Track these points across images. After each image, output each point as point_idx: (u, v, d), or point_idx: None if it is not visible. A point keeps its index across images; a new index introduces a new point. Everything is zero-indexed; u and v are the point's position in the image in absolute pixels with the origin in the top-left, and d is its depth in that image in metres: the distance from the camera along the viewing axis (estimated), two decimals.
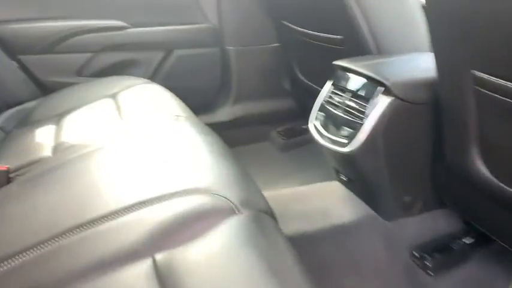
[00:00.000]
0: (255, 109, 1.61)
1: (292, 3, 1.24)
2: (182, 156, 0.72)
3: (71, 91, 1.27)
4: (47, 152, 0.91)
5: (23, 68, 1.30)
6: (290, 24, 1.31)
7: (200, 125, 0.88)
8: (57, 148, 0.92)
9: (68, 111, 1.11)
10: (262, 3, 1.45)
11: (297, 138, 1.58)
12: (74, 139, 0.93)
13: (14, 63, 1.26)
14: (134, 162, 0.72)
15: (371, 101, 0.82)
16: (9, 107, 1.22)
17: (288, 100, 1.63)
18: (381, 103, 0.81)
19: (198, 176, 0.63)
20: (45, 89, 1.34)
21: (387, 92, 0.81)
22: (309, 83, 1.40)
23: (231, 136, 1.43)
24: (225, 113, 1.59)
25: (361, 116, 0.83)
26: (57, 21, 1.31)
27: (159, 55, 1.47)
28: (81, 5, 1.32)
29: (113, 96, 1.15)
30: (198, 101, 1.57)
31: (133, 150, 0.78)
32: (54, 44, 1.32)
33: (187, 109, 1.02)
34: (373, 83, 0.83)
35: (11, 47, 1.28)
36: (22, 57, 1.30)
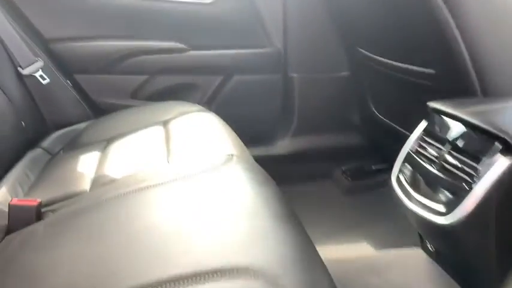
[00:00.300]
0: (317, 143, 1.44)
1: (373, 28, 1.07)
2: (229, 215, 0.57)
3: (122, 115, 1.19)
4: (85, 185, 0.82)
5: (77, 87, 1.24)
6: (366, 52, 1.14)
7: (255, 170, 0.74)
8: (97, 182, 0.83)
9: (117, 137, 1.03)
10: (334, 26, 1.30)
11: (365, 180, 1.38)
12: (116, 172, 0.83)
13: (68, 83, 1.21)
14: (173, 215, 0.60)
15: (483, 161, 0.62)
16: (58, 127, 1.17)
17: (357, 135, 1.44)
18: (499, 165, 0.60)
19: (244, 249, 0.48)
20: (97, 111, 1.28)
21: (507, 150, 0.61)
22: (385, 119, 1.21)
23: (289, 172, 1.27)
24: (283, 145, 1.43)
25: (467, 178, 0.64)
26: (115, 41, 1.24)
27: (217, 79, 1.36)
28: (140, 25, 1.25)
29: (165, 123, 1.05)
30: (255, 131, 1.44)
31: (175, 197, 0.66)
32: (110, 64, 1.26)
33: (242, 145, 0.88)
34: (487, 137, 0.64)
35: (67, 66, 1.23)
36: (77, 77, 1.25)
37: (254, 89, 1.37)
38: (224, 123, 1.05)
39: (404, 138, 0.81)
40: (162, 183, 0.71)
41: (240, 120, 1.45)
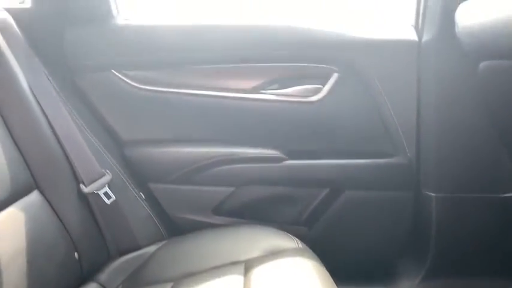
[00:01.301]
0: None
1: None
2: None
3: (198, 241, 0.94)
4: None
5: (151, 200, 1.03)
6: None
7: None
8: None
9: (185, 278, 0.80)
10: (495, 132, 0.92)
11: None
12: None
13: (141, 195, 1.01)
14: None
15: None
16: (122, 253, 0.94)
17: None
18: None
19: None
20: (172, 229, 1.05)
21: None
22: None
23: None
24: None
25: None
26: (198, 147, 1.03)
27: (321, 194, 1.04)
28: (227, 128, 1.02)
29: (247, 268, 0.78)
30: (369, 266, 1.07)
31: None
32: (191, 173, 1.03)
33: None
34: None
35: (141, 174, 1.04)
36: (152, 186, 1.05)
37: (372, 209, 1.03)
38: (324, 270, 0.77)
39: None
40: None
41: (350, 249, 1.10)
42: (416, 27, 0.99)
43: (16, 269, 0.69)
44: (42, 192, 0.81)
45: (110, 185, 0.91)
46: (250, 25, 1.01)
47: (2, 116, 0.80)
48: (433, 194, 0.99)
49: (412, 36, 0.97)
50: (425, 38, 0.95)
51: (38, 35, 0.95)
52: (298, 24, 1.00)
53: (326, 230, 1.06)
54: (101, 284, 0.88)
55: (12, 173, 0.76)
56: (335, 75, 0.97)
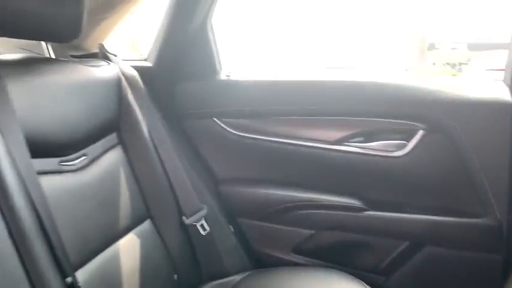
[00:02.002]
0: None
1: None
2: None
3: (278, 278, 1.02)
4: None
5: (239, 234, 1.15)
6: None
7: None
8: None
9: None
10: None
11: None
12: None
13: (231, 228, 1.13)
14: None
15: None
16: (212, 279, 1.07)
17: None
18: None
19: None
20: (256, 262, 1.15)
21: None
22: None
23: None
24: None
25: None
26: (284, 190, 1.12)
27: (400, 246, 1.06)
28: (313, 175, 1.10)
29: None
30: None
31: None
32: (276, 213, 1.13)
33: None
34: None
35: (232, 209, 1.16)
36: (240, 221, 1.17)
37: (455, 268, 1.01)
38: None
39: None
40: None
41: None
42: (509, 85, 0.97)
43: (132, 285, 0.85)
44: (153, 221, 0.97)
45: (205, 217, 1.04)
46: (339, 81, 1.09)
47: (127, 156, 0.98)
48: None
49: (505, 95, 0.96)
50: None
51: (156, 87, 1.13)
52: (387, 80, 1.05)
53: (403, 283, 1.06)
54: None
55: (132, 205, 0.93)
56: (420, 132, 1.00)
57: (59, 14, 0.76)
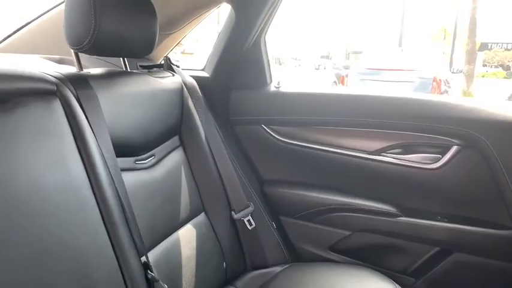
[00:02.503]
0: None
1: None
2: None
3: (315, 271, 1.13)
4: None
5: (280, 230, 1.27)
6: None
7: None
8: None
9: None
10: None
11: None
12: None
13: (273, 225, 1.25)
14: None
15: None
16: (254, 268, 1.20)
17: None
18: None
19: None
20: (294, 256, 1.26)
21: None
22: None
23: None
24: None
25: None
26: (322, 193, 1.23)
27: (430, 251, 1.14)
28: (350, 180, 1.19)
29: None
30: None
31: None
32: (315, 213, 1.24)
33: None
34: None
35: (275, 208, 1.28)
36: (282, 219, 1.28)
37: (483, 276, 1.08)
38: None
39: None
40: None
41: None
42: None
43: (188, 271, 0.99)
44: (206, 215, 1.11)
45: (251, 214, 1.17)
46: (381, 96, 1.18)
47: (187, 156, 1.12)
48: None
49: None
50: None
51: (212, 95, 1.26)
52: (426, 98, 1.12)
53: (431, 286, 1.14)
54: None
55: (190, 199, 1.07)
56: (455, 147, 1.07)
57: (138, 35, 0.91)
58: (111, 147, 0.82)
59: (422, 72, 5.86)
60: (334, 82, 8.19)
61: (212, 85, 1.29)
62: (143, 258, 0.82)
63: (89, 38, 0.80)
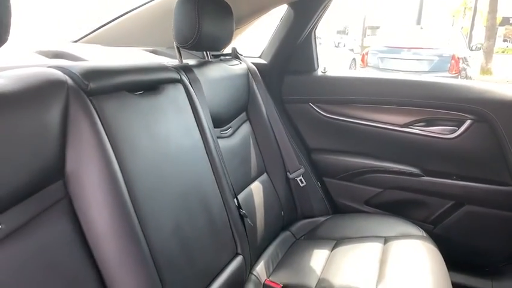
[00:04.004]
0: None
1: None
2: None
3: (354, 218, 1.44)
4: (312, 281, 1.10)
5: (324, 189, 1.57)
6: None
7: None
8: (322, 281, 1.09)
9: (344, 240, 1.31)
10: None
11: None
12: (337, 280, 1.09)
13: (318, 184, 1.55)
14: None
15: None
16: (305, 217, 1.51)
17: None
18: None
19: None
20: (336, 209, 1.57)
21: None
22: None
23: None
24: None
25: None
26: (359, 158, 1.52)
27: (446, 204, 1.43)
28: (381, 148, 1.48)
29: (385, 240, 1.24)
30: (478, 262, 1.41)
31: None
32: (352, 175, 1.53)
33: None
34: None
35: (320, 171, 1.58)
36: (325, 180, 1.58)
37: (487, 224, 1.37)
38: (439, 255, 1.15)
39: None
40: None
41: (463, 248, 1.45)
42: None
43: (257, 218, 1.29)
44: (268, 175, 1.41)
45: (302, 175, 1.47)
46: (408, 79, 1.44)
47: (252, 129, 1.41)
48: None
49: None
50: None
51: (269, 79, 1.54)
52: (444, 81, 1.39)
53: (446, 230, 1.44)
54: (292, 233, 1.45)
55: (257, 162, 1.37)
56: (468, 121, 1.34)
57: (222, 33, 1.17)
58: (211, 120, 1.11)
59: (441, 50, 5.96)
60: (353, 59, 8.31)
61: (269, 70, 1.57)
62: (235, 199, 1.12)
63: (193, 38, 1.07)
